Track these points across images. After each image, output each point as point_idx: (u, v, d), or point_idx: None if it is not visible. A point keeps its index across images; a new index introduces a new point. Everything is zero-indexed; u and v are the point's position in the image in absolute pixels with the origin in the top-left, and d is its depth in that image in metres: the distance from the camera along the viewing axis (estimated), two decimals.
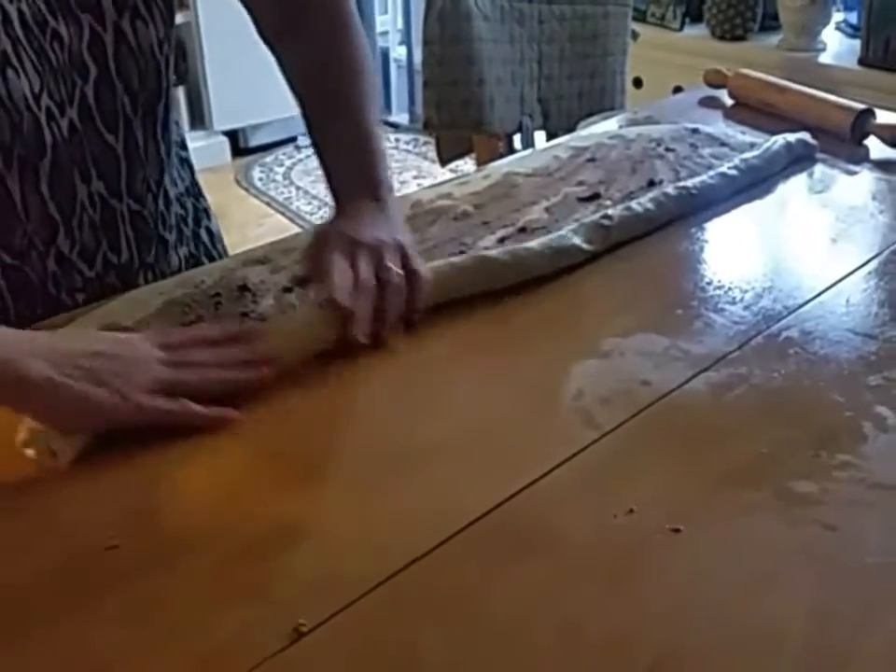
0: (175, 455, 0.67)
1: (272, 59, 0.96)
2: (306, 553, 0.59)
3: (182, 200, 1.01)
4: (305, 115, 0.93)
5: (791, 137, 1.16)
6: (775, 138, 1.15)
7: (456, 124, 1.97)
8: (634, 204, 0.98)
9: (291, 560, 0.58)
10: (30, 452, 0.67)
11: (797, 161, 1.15)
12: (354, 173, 0.88)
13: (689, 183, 1.03)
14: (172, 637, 0.53)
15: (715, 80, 1.40)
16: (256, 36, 0.95)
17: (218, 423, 0.69)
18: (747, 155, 1.11)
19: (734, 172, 1.07)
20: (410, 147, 3.94)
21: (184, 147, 1.03)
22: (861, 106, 1.22)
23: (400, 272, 0.79)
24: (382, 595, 0.56)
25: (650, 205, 0.98)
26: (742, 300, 0.85)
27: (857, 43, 2.28)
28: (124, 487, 0.64)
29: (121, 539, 0.59)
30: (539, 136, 2.11)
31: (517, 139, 2.11)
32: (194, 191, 1.05)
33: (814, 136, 1.18)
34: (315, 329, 0.77)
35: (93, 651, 0.53)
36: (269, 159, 3.87)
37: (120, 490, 0.64)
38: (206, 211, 1.07)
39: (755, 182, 1.09)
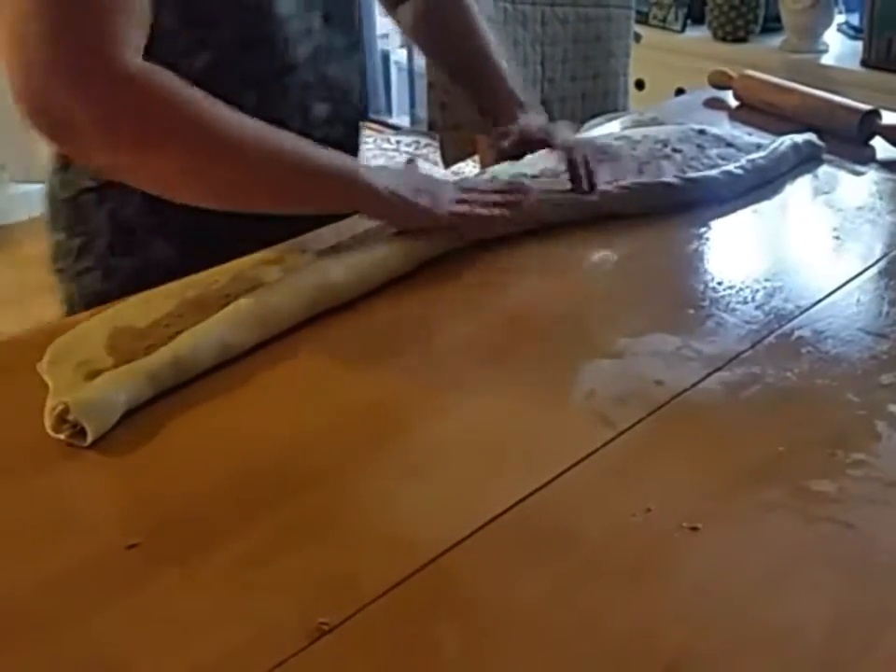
0: (196, 454, 0.67)
1: None
2: (326, 552, 0.59)
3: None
4: (449, 62, 1.20)
5: (799, 138, 1.16)
6: (782, 139, 1.15)
7: (460, 125, 1.97)
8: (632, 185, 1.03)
9: (312, 559, 0.58)
10: (60, 436, 0.68)
11: (804, 161, 1.15)
12: (513, 93, 1.14)
13: (692, 175, 1.05)
14: (192, 635, 0.53)
15: (720, 81, 1.40)
16: None
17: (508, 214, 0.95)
18: (754, 156, 1.11)
19: (739, 171, 1.07)
20: (411, 150, 3.94)
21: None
22: (867, 107, 1.22)
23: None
24: (402, 594, 0.56)
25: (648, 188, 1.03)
26: (753, 299, 0.85)
27: (859, 45, 2.29)
28: (145, 486, 0.65)
29: (142, 538, 0.59)
30: None
31: None
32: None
33: (820, 137, 1.18)
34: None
35: (114, 649, 0.53)
36: None
37: (142, 488, 0.64)
38: None
39: (762, 182, 1.09)
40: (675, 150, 1.14)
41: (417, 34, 1.21)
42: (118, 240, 0.95)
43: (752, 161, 1.10)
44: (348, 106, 1.07)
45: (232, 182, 0.82)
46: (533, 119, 1.12)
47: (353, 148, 1.09)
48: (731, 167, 1.07)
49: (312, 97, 1.00)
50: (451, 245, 0.95)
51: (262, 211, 0.86)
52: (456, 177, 1.09)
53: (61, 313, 0.99)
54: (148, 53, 0.77)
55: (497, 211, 0.95)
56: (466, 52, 1.16)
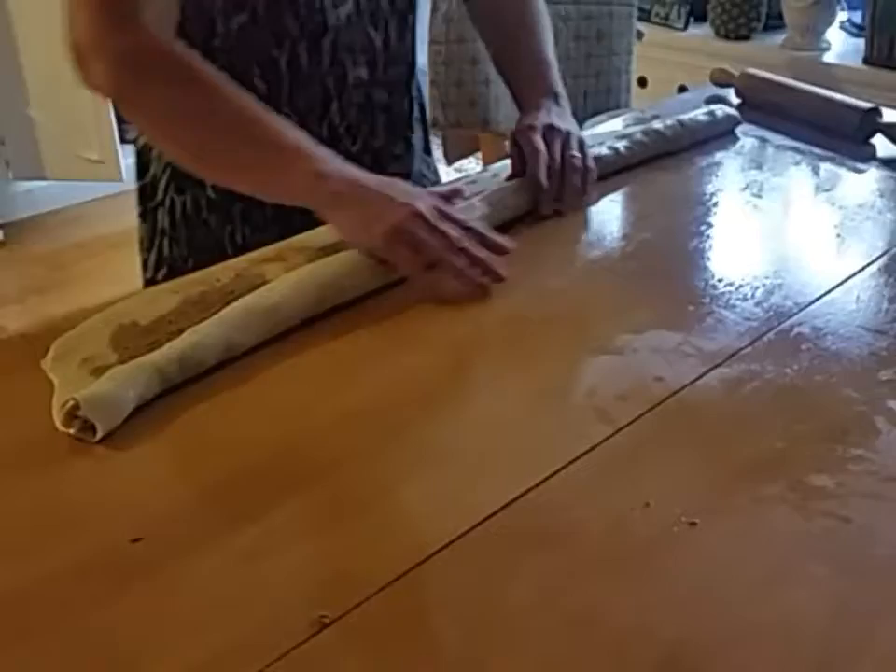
0: (200, 450, 0.68)
1: None
2: (326, 547, 0.59)
3: (415, 125, 1.17)
4: (500, 61, 1.16)
5: (718, 109, 1.24)
6: (699, 111, 1.24)
7: (462, 123, 1.97)
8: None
9: (312, 553, 0.59)
10: (70, 431, 0.68)
11: (723, 134, 1.23)
12: (536, 83, 1.10)
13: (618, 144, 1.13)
14: (195, 629, 0.54)
15: (722, 79, 1.41)
16: None
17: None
18: (658, 125, 1.18)
19: (644, 138, 1.15)
20: None
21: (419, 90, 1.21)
22: (868, 105, 1.23)
23: (579, 156, 1.02)
24: (401, 588, 0.56)
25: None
26: (753, 296, 0.86)
27: (861, 42, 2.29)
28: (150, 481, 0.65)
29: (145, 532, 0.60)
30: None
31: None
32: (422, 119, 1.20)
33: (821, 135, 1.19)
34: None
35: (117, 642, 0.53)
36: None
37: (146, 484, 0.65)
38: (429, 145, 1.23)
39: (675, 149, 1.17)
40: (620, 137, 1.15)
41: (476, 22, 1.21)
42: (173, 181, 1.06)
43: (657, 130, 1.16)
44: (395, 70, 1.08)
45: (199, 148, 0.88)
46: (539, 116, 1.06)
47: (401, 113, 1.12)
48: (620, 144, 1.13)
49: (349, 59, 1.03)
50: None
51: (227, 185, 0.93)
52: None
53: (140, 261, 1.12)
54: (184, 13, 0.92)
55: (459, 266, 0.84)
56: (509, 44, 1.16)
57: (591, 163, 1.04)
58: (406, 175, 1.12)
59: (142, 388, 0.71)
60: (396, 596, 0.56)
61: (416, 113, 1.17)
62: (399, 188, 0.86)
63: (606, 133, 1.20)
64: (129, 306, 0.83)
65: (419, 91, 1.18)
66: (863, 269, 0.90)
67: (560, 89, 1.10)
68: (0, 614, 0.55)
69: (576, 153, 1.02)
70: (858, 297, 0.86)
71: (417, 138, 1.17)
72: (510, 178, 1.03)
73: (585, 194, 1.03)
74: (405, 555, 0.58)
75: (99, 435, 0.68)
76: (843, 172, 1.14)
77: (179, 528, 0.61)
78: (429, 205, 0.85)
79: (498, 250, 0.87)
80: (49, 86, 3.17)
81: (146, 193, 1.08)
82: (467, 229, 0.86)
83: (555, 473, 0.65)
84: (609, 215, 1.06)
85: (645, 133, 1.15)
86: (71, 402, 0.68)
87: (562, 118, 1.06)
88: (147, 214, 1.09)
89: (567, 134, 1.03)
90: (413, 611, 0.55)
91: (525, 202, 1.00)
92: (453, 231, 0.84)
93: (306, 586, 0.56)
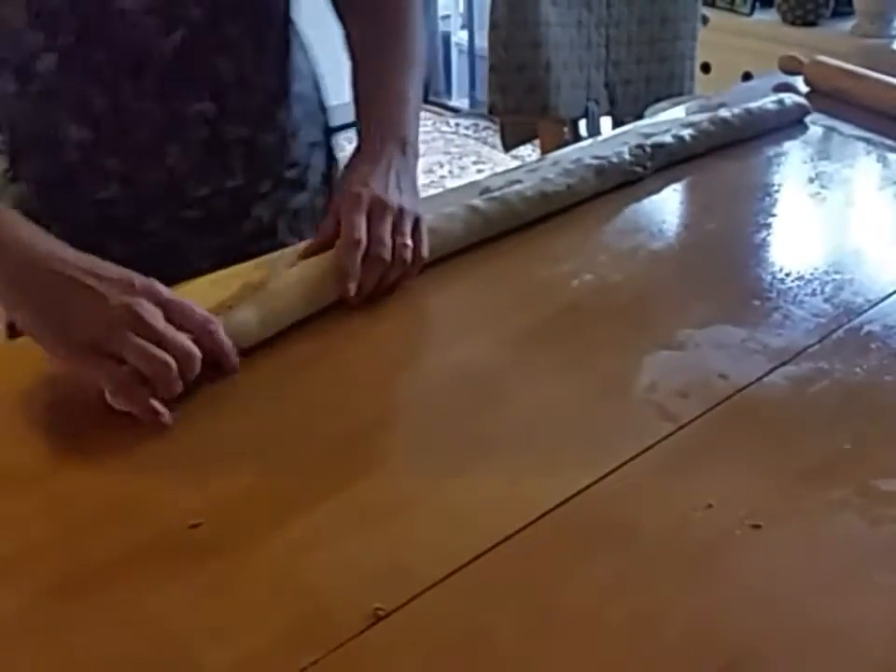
0: (260, 434, 0.68)
1: None
2: (383, 538, 0.59)
3: (312, 150, 1.05)
4: (355, 84, 0.96)
5: (787, 97, 1.20)
6: (767, 99, 1.20)
7: (522, 109, 1.95)
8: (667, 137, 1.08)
9: (369, 544, 0.59)
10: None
11: (791, 124, 1.19)
12: (382, 123, 0.91)
13: (683, 132, 1.10)
14: (250, 616, 0.54)
15: (790, 67, 1.37)
16: None
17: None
18: (726, 113, 1.14)
19: (711, 127, 1.12)
20: (469, 132, 3.92)
21: (322, 108, 1.07)
22: None
23: (410, 244, 0.82)
24: (457, 583, 0.56)
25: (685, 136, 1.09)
26: (822, 292, 0.83)
27: None
28: (211, 466, 0.65)
29: (204, 518, 0.60)
30: (605, 122, 2.09)
31: (582, 125, 2.09)
32: (325, 147, 1.08)
33: (892, 125, 1.16)
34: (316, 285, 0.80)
35: (172, 629, 0.53)
36: None
37: (207, 469, 0.65)
38: (332, 173, 1.10)
39: (733, 140, 1.13)
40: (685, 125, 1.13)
41: (352, 53, 0.99)
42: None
43: (724, 118, 1.13)
44: (254, 101, 0.95)
45: None
46: (371, 180, 0.85)
47: (266, 147, 0.97)
48: (686, 132, 1.10)
49: (186, 94, 0.89)
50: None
51: None
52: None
53: None
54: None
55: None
56: (371, 64, 0.97)
57: (424, 251, 0.84)
58: (276, 213, 1.01)
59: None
60: (452, 590, 0.55)
61: (318, 138, 1.06)
62: (112, 272, 0.69)
63: (671, 121, 1.18)
64: (193, 291, 0.83)
65: (319, 113, 1.06)
66: None
67: (411, 134, 0.91)
68: (55, 599, 0.56)
69: (407, 240, 0.82)
70: None
71: (312, 169, 1.04)
72: (312, 249, 0.85)
73: (405, 280, 0.84)
74: (461, 549, 0.58)
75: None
76: None
77: (237, 514, 0.61)
78: (150, 298, 0.68)
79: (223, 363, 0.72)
80: None
81: None
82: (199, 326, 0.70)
83: (614, 470, 0.64)
84: (672, 204, 1.04)
85: (712, 121, 1.13)
86: None
87: (399, 181, 0.86)
88: None
89: (400, 212, 0.83)
90: (469, 606, 0.55)
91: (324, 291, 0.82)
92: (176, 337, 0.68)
93: (362, 577, 0.56)
